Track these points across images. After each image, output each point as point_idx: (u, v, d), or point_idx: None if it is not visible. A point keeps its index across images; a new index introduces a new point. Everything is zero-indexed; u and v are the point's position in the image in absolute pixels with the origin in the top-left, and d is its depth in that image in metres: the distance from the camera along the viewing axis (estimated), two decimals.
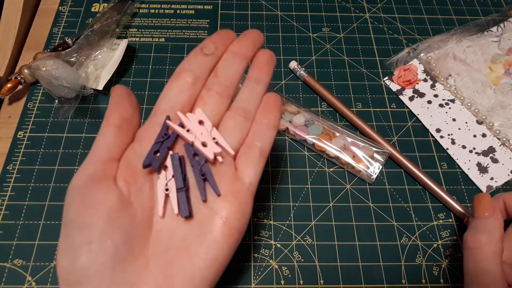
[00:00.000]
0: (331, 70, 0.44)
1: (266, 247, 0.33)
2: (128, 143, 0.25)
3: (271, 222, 0.35)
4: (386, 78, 0.43)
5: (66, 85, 0.36)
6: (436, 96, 0.42)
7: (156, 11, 0.47)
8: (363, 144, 0.37)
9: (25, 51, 0.43)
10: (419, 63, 0.44)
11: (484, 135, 0.39)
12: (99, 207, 0.22)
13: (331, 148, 0.37)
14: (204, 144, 0.25)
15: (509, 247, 0.28)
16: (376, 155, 0.37)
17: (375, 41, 0.46)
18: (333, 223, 0.35)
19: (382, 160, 0.37)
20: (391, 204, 0.36)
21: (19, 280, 0.31)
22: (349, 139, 0.38)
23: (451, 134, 0.39)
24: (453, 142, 0.39)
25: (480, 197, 0.30)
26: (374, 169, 0.36)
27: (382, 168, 0.37)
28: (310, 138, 0.38)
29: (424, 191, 0.37)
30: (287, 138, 0.39)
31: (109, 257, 0.21)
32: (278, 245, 0.34)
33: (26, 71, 0.39)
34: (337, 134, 0.38)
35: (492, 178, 0.37)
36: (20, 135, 0.38)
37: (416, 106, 0.41)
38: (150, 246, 0.23)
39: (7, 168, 0.36)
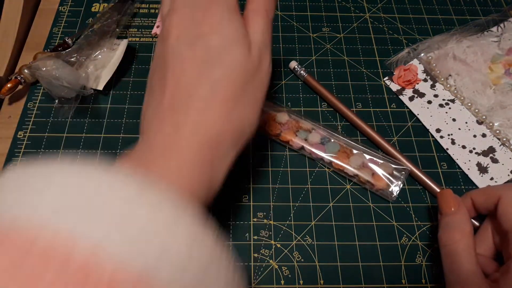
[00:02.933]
0: (331, 70, 0.44)
1: (266, 247, 0.33)
2: None
3: (271, 222, 0.35)
4: (386, 78, 0.43)
5: (66, 85, 0.36)
6: (436, 96, 0.42)
7: (156, 11, 0.47)
8: (382, 161, 0.36)
9: (25, 51, 0.43)
10: (419, 63, 0.44)
11: (484, 135, 0.39)
12: None
13: (350, 167, 0.36)
14: None
15: (485, 240, 0.30)
16: (394, 172, 0.36)
17: (375, 41, 0.46)
18: (333, 223, 0.35)
19: (401, 176, 0.36)
20: (391, 204, 0.36)
21: None
22: (367, 156, 0.37)
23: (451, 134, 0.39)
24: (453, 142, 0.39)
25: (443, 194, 0.32)
26: (395, 187, 0.36)
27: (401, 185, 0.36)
28: (327, 157, 0.37)
29: (424, 191, 0.37)
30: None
31: None
32: (278, 245, 0.34)
33: (26, 71, 0.39)
34: (355, 151, 0.37)
35: (492, 178, 0.37)
36: (20, 135, 0.38)
37: (416, 106, 0.41)
38: None
39: (7, 168, 0.36)
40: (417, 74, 0.43)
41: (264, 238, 0.34)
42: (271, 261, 0.33)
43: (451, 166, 0.38)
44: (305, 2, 0.49)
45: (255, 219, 0.35)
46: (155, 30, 0.45)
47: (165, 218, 0.17)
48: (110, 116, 0.39)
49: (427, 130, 0.40)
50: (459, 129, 0.40)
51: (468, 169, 0.38)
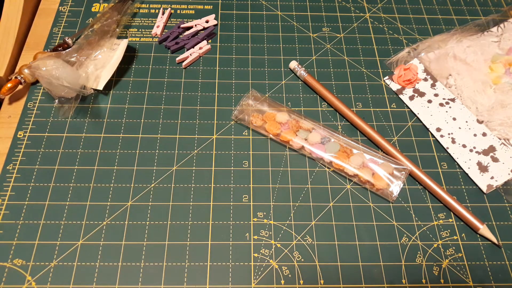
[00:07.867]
0: (331, 70, 0.43)
1: (266, 247, 0.33)
2: None
3: (271, 222, 0.35)
4: (387, 77, 0.43)
5: (66, 85, 0.36)
6: (436, 95, 0.42)
7: (156, 11, 0.47)
8: (382, 161, 0.36)
9: (25, 51, 0.43)
10: (420, 63, 0.44)
11: (484, 134, 0.39)
12: None
13: (350, 167, 0.36)
14: None
15: None
16: (394, 172, 0.36)
17: (375, 41, 0.46)
18: (333, 223, 0.35)
19: (401, 176, 0.36)
20: (391, 204, 0.36)
21: (19, 280, 0.31)
22: (367, 156, 0.37)
23: (452, 133, 0.39)
24: (453, 141, 0.39)
25: None
26: (395, 187, 0.36)
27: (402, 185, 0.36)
28: (327, 157, 0.37)
29: (424, 190, 0.37)
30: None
31: None
32: (278, 245, 0.34)
33: (26, 71, 0.39)
34: (355, 151, 0.37)
35: (492, 177, 0.37)
36: (20, 135, 0.38)
37: (416, 106, 0.41)
38: None
39: (7, 168, 0.36)
40: (417, 73, 0.43)
41: (264, 238, 0.34)
42: (271, 261, 0.33)
43: (451, 166, 0.38)
44: (305, 2, 0.49)
45: (255, 219, 0.35)
46: (155, 30, 0.45)
47: None
48: (110, 116, 0.39)
49: (427, 129, 0.40)
50: (460, 128, 0.40)
51: (469, 168, 0.38)
